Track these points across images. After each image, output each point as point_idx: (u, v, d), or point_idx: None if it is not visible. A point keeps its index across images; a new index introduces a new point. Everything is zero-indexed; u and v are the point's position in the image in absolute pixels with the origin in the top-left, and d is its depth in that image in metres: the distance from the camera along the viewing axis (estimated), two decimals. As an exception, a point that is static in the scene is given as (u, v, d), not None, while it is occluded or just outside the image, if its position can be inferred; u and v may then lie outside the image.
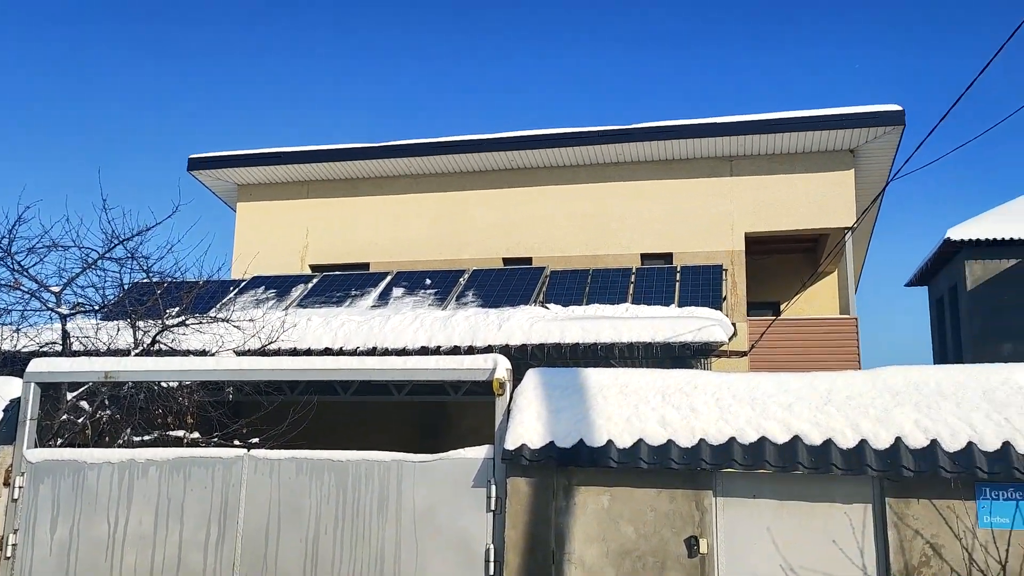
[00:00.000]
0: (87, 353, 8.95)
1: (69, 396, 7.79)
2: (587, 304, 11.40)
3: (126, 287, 9.46)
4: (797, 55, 55.64)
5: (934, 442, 5.41)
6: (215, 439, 8.26)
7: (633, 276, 12.57)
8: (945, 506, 5.41)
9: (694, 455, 5.75)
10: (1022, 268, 14.69)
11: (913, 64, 55.02)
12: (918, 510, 5.44)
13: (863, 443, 5.49)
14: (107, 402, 8.09)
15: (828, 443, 5.55)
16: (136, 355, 8.71)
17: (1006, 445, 5.30)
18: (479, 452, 6.32)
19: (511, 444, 6.07)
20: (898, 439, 5.47)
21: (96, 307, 9.09)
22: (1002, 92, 49.82)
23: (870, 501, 5.56)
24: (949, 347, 16.69)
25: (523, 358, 9.67)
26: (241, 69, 58.62)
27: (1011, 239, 14.55)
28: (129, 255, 8.85)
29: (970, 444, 5.35)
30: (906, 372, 5.97)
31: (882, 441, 5.48)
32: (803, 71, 56.07)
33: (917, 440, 5.44)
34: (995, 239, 14.62)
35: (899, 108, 13.49)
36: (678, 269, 12.73)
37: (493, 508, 6.15)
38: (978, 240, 14.75)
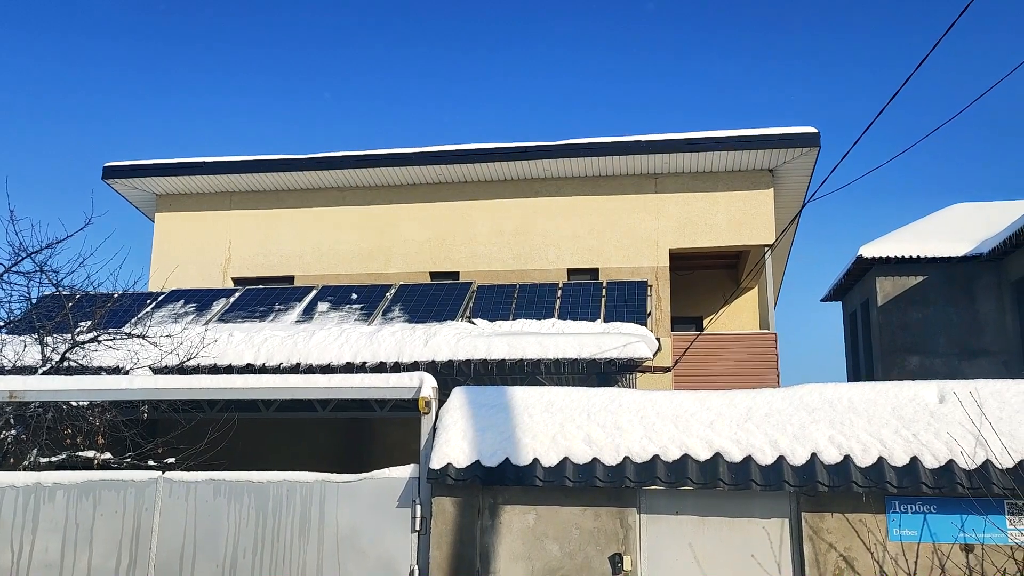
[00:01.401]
0: (-10, 371, 8.49)
1: (-31, 417, 7.37)
2: (514, 319, 11.43)
3: (34, 301, 9.03)
4: (723, 74, 57.34)
5: (847, 457, 5.61)
6: (128, 459, 7.94)
7: (560, 291, 12.67)
8: (857, 520, 5.60)
9: (619, 473, 5.81)
10: (928, 284, 15.42)
11: (829, 84, 57.37)
12: (832, 524, 5.62)
13: (781, 459, 5.65)
14: (12, 421, 7.69)
15: (748, 460, 5.69)
16: (44, 373, 8.31)
17: (914, 460, 5.53)
18: (404, 471, 6.25)
19: (436, 463, 6.02)
20: (814, 455, 5.65)
21: (1, 323, 8.64)
22: (917, 112, 52.42)
23: (787, 516, 5.73)
24: (861, 360, 17.37)
25: (450, 374, 9.63)
26: (162, 75, 56.91)
27: (920, 257, 15.26)
28: (38, 268, 8.46)
29: (880, 459, 5.56)
30: (821, 389, 6.18)
31: (799, 457, 5.65)
32: (729, 90, 57.81)
33: (831, 456, 5.63)
34: (905, 256, 15.30)
35: (814, 130, 14.02)
36: (604, 284, 12.90)
37: (418, 528, 6.09)
38: (888, 257, 15.40)
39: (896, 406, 5.93)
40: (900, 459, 5.55)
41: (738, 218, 14.73)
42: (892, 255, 15.37)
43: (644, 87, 59.06)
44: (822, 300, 19.58)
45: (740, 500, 5.77)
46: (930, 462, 5.51)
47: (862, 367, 17.25)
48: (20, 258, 8.37)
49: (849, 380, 18.38)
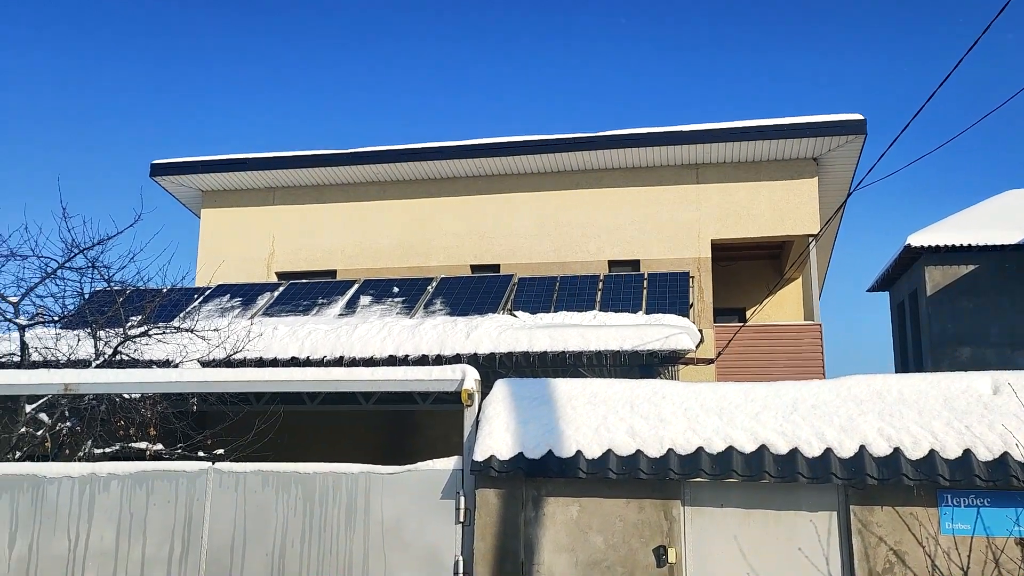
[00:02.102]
0: (46, 364, 8.75)
1: (28, 408, 7.61)
2: (555, 312, 11.42)
3: (87, 296, 9.27)
4: (765, 62, 56.46)
5: (897, 450, 5.50)
6: (179, 450, 8.13)
7: (600, 283, 12.62)
8: (908, 513, 5.50)
9: (662, 465, 5.78)
10: (980, 274, 15.03)
11: (876, 72, 56.13)
12: (882, 517, 5.53)
13: (828, 452, 5.57)
14: (67, 414, 7.92)
15: (794, 452, 5.61)
16: (97, 366, 8.54)
17: (967, 452, 5.41)
18: (448, 463, 6.29)
19: (480, 455, 6.05)
20: (862, 447, 5.55)
21: (56, 317, 8.90)
22: (963, 100, 51.03)
23: (835, 509, 5.64)
24: (910, 352, 17.01)
25: (491, 366, 9.66)
26: (209, 73, 57.91)
27: (970, 245, 14.88)
28: (90, 264, 8.68)
29: (932, 452, 5.45)
30: (870, 381, 6.07)
31: (847, 450, 5.56)
32: (771, 79, 56.90)
33: (881, 448, 5.53)
34: (954, 245, 14.93)
35: (861, 117, 13.73)
36: (645, 276, 12.82)
37: (462, 520, 6.13)
38: (938, 246, 15.05)
39: (948, 397, 5.79)
40: (952, 452, 5.42)
41: (782, 208, 14.51)
42: (942, 244, 15.01)
43: (684, 77, 58.43)
44: (868, 290, 19.22)
45: (786, 493, 5.70)
46: (984, 455, 5.38)
47: (910, 358, 16.89)
48: (73, 254, 8.61)
49: (897, 372, 18.04)
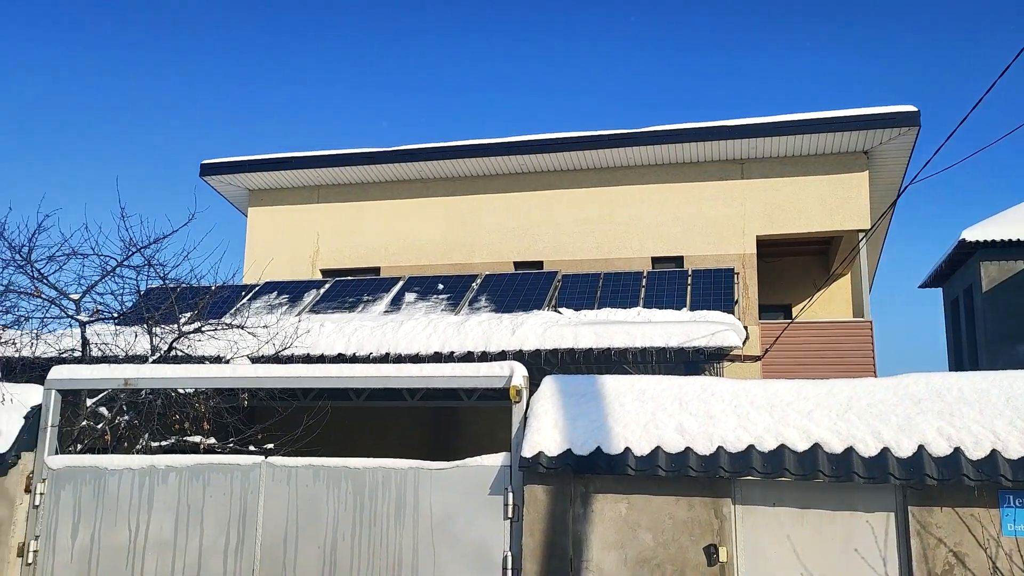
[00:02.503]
0: (105, 359, 8.99)
1: (89, 402, 7.82)
2: (599, 308, 11.39)
3: (142, 293, 9.51)
4: (810, 56, 55.50)
5: (957, 450, 5.38)
6: (231, 444, 8.29)
7: (644, 280, 12.55)
8: (969, 514, 5.38)
9: (712, 463, 5.73)
10: (1037, 270, 14.60)
11: (928, 65, 54.81)
12: (941, 518, 5.41)
13: (885, 451, 5.46)
14: (125, 408, 8.12)
15: (849, 451, 5.52)
16: (153, 361, 8.75)
17: (1030, 452, 5.26)
18: (496, 459, 6.32)
19: (528, 452, 6.06)
20: (921, 447, 5.44)
21: (114, 314, 9.13)
22: (1020, 92, 49.55)
23: (892, 509, 5.54)
24: (964, 349, 16.60)
25: (536, 363, 9.67)
26: (253, 75, 58.83)
27: (1026, 240, 14.47)
28: (146, 262, 8.90)
29: (994, 451, 5.31)
30: (928, 379, 5.94)
31: (905, 449, 5.45)
32: (816, 73, 55.92)
33: (940, 448, 5.41)
34: (1011, 240, 14.55)
35: (914, 109, 13.42)
36: (689, 272, 12.71)
37: (510, 516, 6.15)
38: (994, 241, 14.67)
39: (1011, 396, 5.64)
40: (1015, 451, 5.28)
41: (830, 203, 14.26)
42: (998, 238, 14.64)
43: (726, 74, 57.70)
44: (920, 286, 18.81)
45: (841, 492, 5.61)
46: (1048, 455, 5.23)
47: (965, 356, 16.49)
48: (131, 253, 8.83)
49: (951, 370, 17.62)
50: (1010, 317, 14.55)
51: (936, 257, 17.39)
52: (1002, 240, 14.57)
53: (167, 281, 9.12)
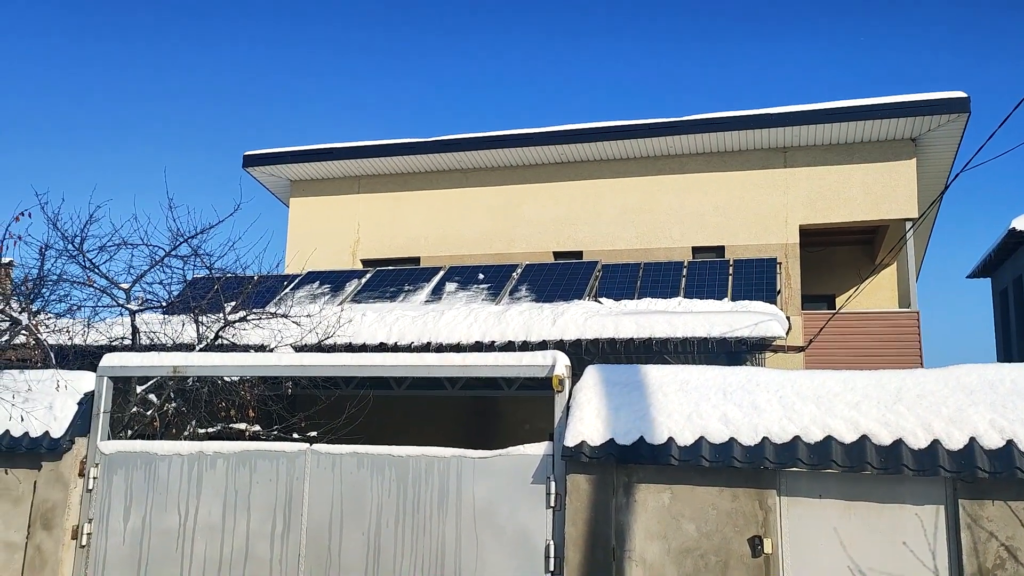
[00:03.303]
0: (153, 347, 9.20)
1: (139, 389, 8.01)
2: (639, 298, 11.33)
3: (188, 283, 9.70)
4: (856, 43, 54.34)
5: (1010, 443, 5.25)
6: (275, 432, 8.43)
7: (685, 270, 12.45)
8: (1021, 508, 5.26)
9: (757, 454, 5.67)
10: (1092, 259, 14.16)
11: (979, 51, 53.33)
12: (993, 512, 5.30)
13: (935, 443, 5.36)
14: (173, 395, 8.30)
15: (898, 443, 5.43)
16: (200, 350, 8.92)
17: (1086, 446, 5.13)
18: (538, 448, 6.33)
19: (571, 441, 6.07)
20: (972, 439, 5.32)
21: (162, 303, 9.33)
22: (1067, 75, 47.99)
23: (942, 503, 5.43)
24: (1013, 341, 16.20)
25: (577, 353, 9.65)
26: (294, 68, 59.42)
27: (1080, 229, 14.04)
28: (193, 252, 9.07)
29: (1048, 444, 5.19)
30: (981, 370, 5.81)
31: (955, 441, 5.34)
32: (864, 60, 54.74)
33: (992, 440, 5.29)
34: (1063, 230, 14.12)
35: (964, 95, 13.09)
36: (731, 262, 12.57)
37: (553, 505, 6.16)
38: (1045, 231, 14.25)
39: (1066, 388, 5.50)
40: (1071, 445, 5.15)
41: (876, 191, 13.98)
42: (1051, 227, 14.21)
43: (778, 58, 56.76)
44: (968, 277, 18.38)
45: (889, 485, 5.52)
46: (1105, 449, 5.09)
47: (1014, 347, 16.09)
48: (179, 243, 9.00)
49: (1000, 361, 17.22)
50: (1064, 308, 14.15)
51: (985, 247, 16.97)
52: (1055, 229, 14.15)
53: (213, 271, 9.28)
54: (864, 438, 5.54)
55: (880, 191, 13.97)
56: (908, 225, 13.71)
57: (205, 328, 9.21)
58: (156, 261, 8.94)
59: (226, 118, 60.73)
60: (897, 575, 5.40)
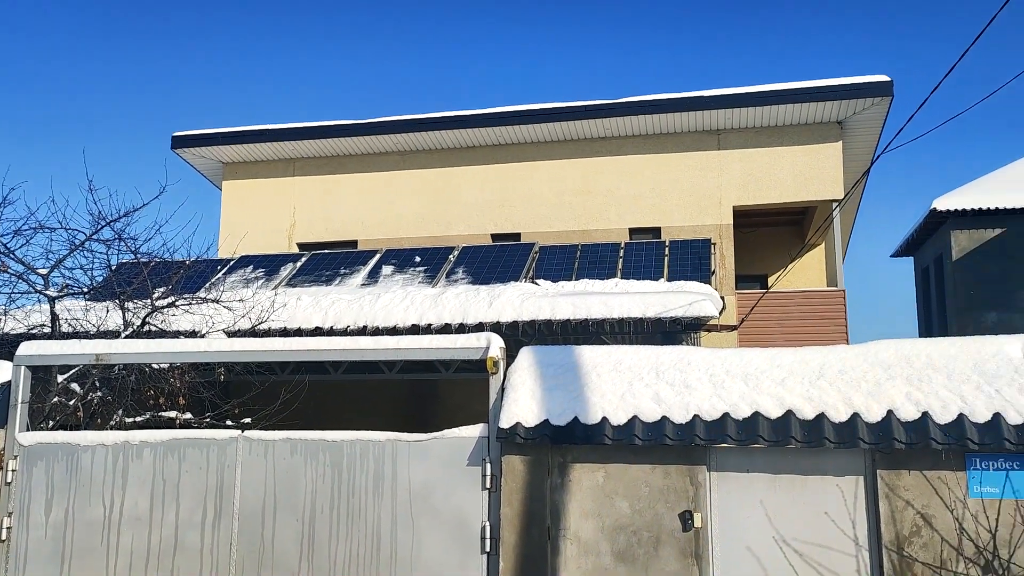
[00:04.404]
0: (76, 335, 8.89)
1: (60, 379, 7.74)
2: (576, 279, 11.41)
3: (113, 268, 9.38)
4: (784, 27, 55.41)
5: (925, 414, 5.47)
6: (207, 419, 8.25)
7: (622, 251, 12.58)
8: (936, 477, 5.49)
9: (688, 431, 5.79)
10: (1007, 237, 14.81)
11: (900, 36, 54.96)
12: (909, 481, 5.52)
13: (855, 416, 5.55)
14: (98, 384, 8.05)
15: (821, 417, 5.60)
16: (126, 337, 8.66)
17: (996, 416, 5.37)
18: (473, 431, 6.35)
19: (506, 423, 6.09)
20: (890, 412, 5.53)
21: (84, 289, 9.01)
22: (990, 63, 49.90)
23: (862, 473, 5.64)
24: (934, 317, 16.85)
25: (514, 335, 9.69)
26: (226, 48, 57.75)
27: (996, 209, 14.64)
28: (116, 236, 8.76)
29: (961, 416, 5.42)
30: (897, 345, 6.03)
31: (874, 414, 5.54)
32: (790, 43, 55.88)
33: (909, 413, 5.51)
34: (980, 209, 14.71)
35: (887, 79, 13.47)
36: (667, 243, 12.75)
37: (488, 486, 6.19)
38: (964, 210, 14.82)
39: (978, 362, 5.75)
40: (982, 415, 5.39)
41: (805, 173, 14.33)
42: (968, 207, 14.79)
43: (702, 42, 57.51)
44: (892, 255, 19.01)
45: (813, 458, 5.71)
46: (1013, 418, 5.35)
47: (935, 324, 16.74)
48: (100, 226, 8.69)
49: (921, 337, 17.89)
50: (979, 285, 14.78)
51: (908, 227, 17.58)
52: (972, 209, 14.73)
53: (138, 255, 9.00)
54: (789, 413, 5.70)
55: (808, 173, 14.32)
56: (834, 206, 14.09)
57: (132, 314, 8.94)
58: (76, 245, 8.63)
59: (154, 101, 58.78)
60: (820, 544, 5.59)
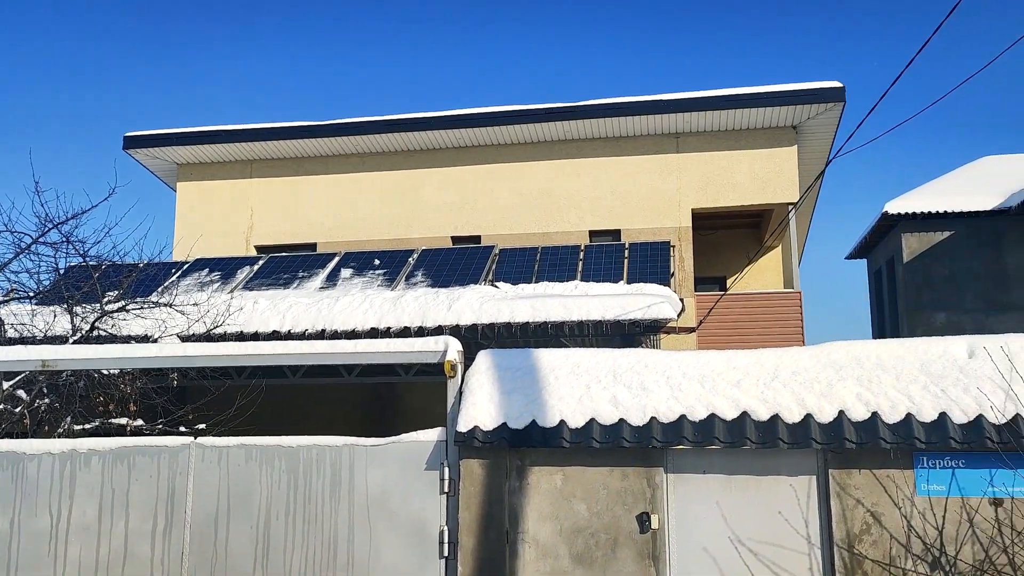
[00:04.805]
0: (22, 340, 8.65)
1: (5, 385, 7.53)
2: (536, 282, 11.42)
3: (62, 272, 9.15)
4: (743, 31, 56.21)
5: (875, 414, 5.58)
6: (160, 426, 8.09)
7: (582, 253, 12.63)
8: (885, 475, 5.59)
9: (645, 433, 5.82)
10: (955, 240, 15.19)
11: (853, 41, 56.11)
12: (860, 480, 5.62)
13: (808, 417, 5.64)
14: (45, 390, 7.84)
15: (775, 418, 5.68)
16: (74, 342, 8.45)
17: (942, 416, 5.49)
18: (431, 435, 6.31)
19: (464, 426, 6.07)
20: (841, 412, 5.62)
21: (31, 293, 8.77)
22: (941, 68, 51.17)
23: (814, 473, 5.73)
24: (887, 318, 17.21)
25: (473, 338, 9.66)
26: (182, 49, 56.78)
27: (945, 212, 15.00)
28: (64, 239, 8.55)
29: (909, 415, 5.53)
30: (848, 347, 6.13)
31: (826, 415, 5.63)
32: (751, 50, 56.71)
33: (859, 413, 5.61)
34: (930, 212, 15.05)
35: (839, 85, 13.74)
36: (626, 246, 12.83)
37: (447, 490, 6.16)
38: (914, 213, 15.16)
39: (925, 362, 5.87)
40: (928, 415, 5.51)
41: (761, 176, 14.54)
42: (918, 211, 15.12)
43: (662, 48, 58.09)
44: (847, 258, 19.35)
45: (767, 458, 5.78)
46: (959, 417, 5.47)
47: (887, 325, 17.10)
48: (47, 229, 8.47)
49: (874, 338, 18.25)
50: (929, 287, 15.12)
51: (862, 229, 17.93)
52: (922, 212, 15.06)
53: (88, 258, 8.79)
54: (744, 415, 5.77)
55: (765, 176, 14.54)
56: (790, 209, 14.32)
57: (81, 319, 8.73)
58: (21, 249, 8.40)
59: (105, 101, 57.57)
60: (774, 543, 5.67)
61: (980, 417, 5.43)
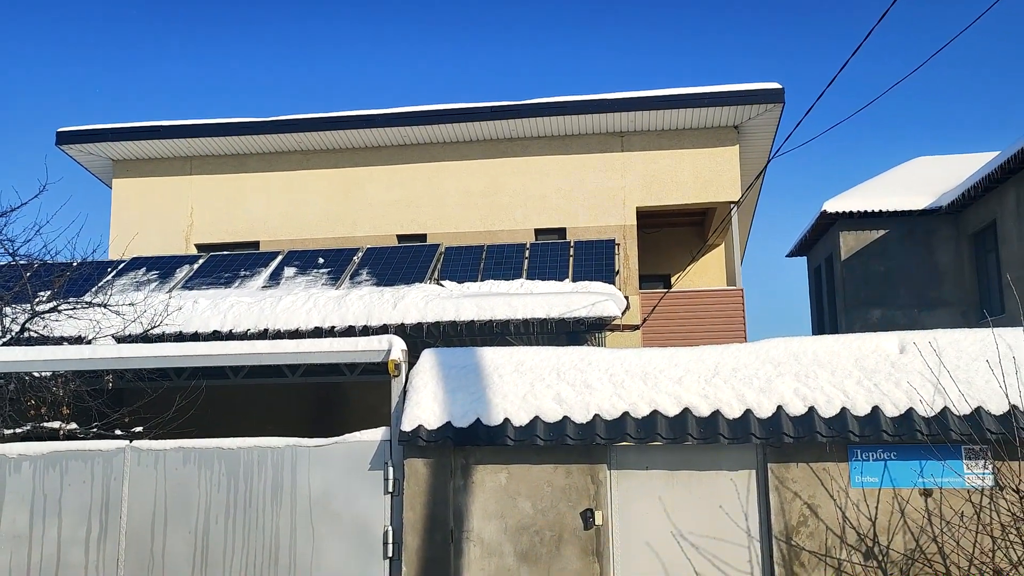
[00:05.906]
0: (-53, 343, 8.29)
1: (-72, 390, 7.21)
2: (482, 280, 11.41)
3: (-11, 271, 8.81)
4: (685, 30, 57.04)
5: (811, 409, 5.72)
6: (95, 430, 7.84)
7: (528, 252, 12.65)
8: (821, 468, 5.74)
9: (589, 430, 5.87)
10: (889, 238, 15.68)
11: (795, 42, 57.37)
12: (797, 473, 5.76)
13: (748, 413, 5.75)
14: (-28, 395, 7.53)
15: (716, 414, 5.78)
16: (3, 344, 8.14)
17: (875, 409, 5.66)
18: (375, 434, 6.26)
19: (408, 425, 6.03)
20: (779, 407, 5.75)
21: (-45, 294, 8.42)
22: (876, 70, 52.68)
23: (754, 467, 5.84)
24: (826, 314, 17.68)
25: (419, 336, 9.61)
26: (123, 40, 55.16)
27: (881, 211, 15.49)
28: (-9, 237, 8.23)
29: (843, 409, 5.69)
30: (787, 343, 6.27)
31: (765, 410, 5.75)
32: (693, 51, 57.57)
33: (796, 408, 5.74)
34: (867, 211, 15.53)
35: (779, 86, 14.04)
36: (572, 244, 12.90)
37: (391, 490, 6.12)
38: (851, 212, 15.62)
39: (859, 357, 6.04)
40: (862, 409, 5.67)
41: (704, 175, 14.78)
42: (855, 210, 15.58)
43: (605, 48, 58.57)
44: (787, 255, 19.85)
45: (708, 453, 5.88)
46: (891, 411, 5.64)
47: (826, 321, 17.56)
48: (-28, 227, 8.13)
49: (814, 334, 18.74)
50: (866, 284, 15.59)
51: (802, 228, 18.38)
52: (859, 211, 15.54)
53: (17, 257, 8.48)
54: (686, 411, 5.85)
55: (707, 175, 14.78)
56: (732, 207, 14.60)
57: (10, 320, 8.42)
58: (-54, 248, 8.06)
59: (36, 97, 55.60)
60: (715, 537, 5.77)
61: (911, 410, 5.61)
